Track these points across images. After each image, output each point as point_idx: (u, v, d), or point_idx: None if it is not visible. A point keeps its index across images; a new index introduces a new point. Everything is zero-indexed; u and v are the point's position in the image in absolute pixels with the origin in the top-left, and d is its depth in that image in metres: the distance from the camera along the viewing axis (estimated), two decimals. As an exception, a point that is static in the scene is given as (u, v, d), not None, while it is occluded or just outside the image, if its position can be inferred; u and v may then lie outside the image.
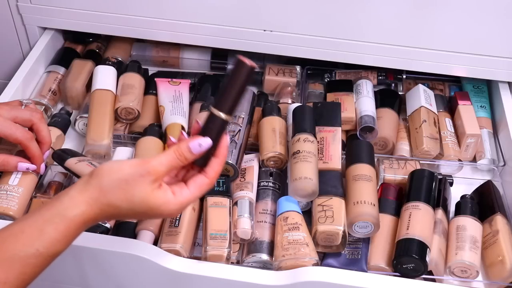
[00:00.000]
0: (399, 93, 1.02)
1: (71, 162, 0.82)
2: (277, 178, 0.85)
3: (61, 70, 1.02)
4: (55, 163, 0.85)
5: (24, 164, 0.80)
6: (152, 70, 1.07)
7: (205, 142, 0.61)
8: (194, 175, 0.63)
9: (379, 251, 0.79)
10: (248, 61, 0.61)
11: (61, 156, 0.84)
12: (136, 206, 0.59)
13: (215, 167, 0.63)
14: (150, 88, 0.99)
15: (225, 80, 0.63)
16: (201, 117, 0.90)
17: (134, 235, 0.78)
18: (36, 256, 0.56)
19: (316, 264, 0.74)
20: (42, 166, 0.82)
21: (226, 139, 0.64)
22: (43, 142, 0.81)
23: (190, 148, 0.61)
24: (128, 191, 0.58)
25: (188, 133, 0.80)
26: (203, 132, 0.62)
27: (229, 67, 1.08)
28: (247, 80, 0.62)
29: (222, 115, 0.62)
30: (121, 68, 1.01)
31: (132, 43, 1.09)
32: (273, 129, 0.87)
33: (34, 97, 0.97)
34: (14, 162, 0.79)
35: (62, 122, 0.93)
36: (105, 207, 0.59)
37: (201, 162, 0.63)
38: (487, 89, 1.03)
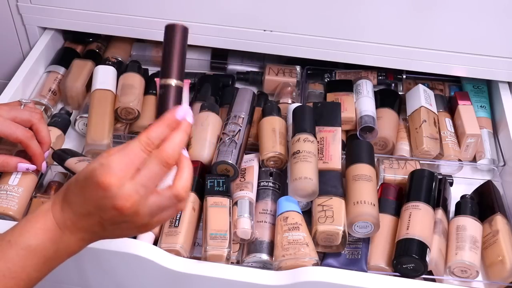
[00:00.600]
0: (399, 93, 1.02)
1: (71, 162, 0.82)
2: (277, 178, 0.85)
3: (61, 70, 1.02)
4: (55, 163, 0.85)
5: (24, 165, 0.80)
6: (152, 70, 1.07)
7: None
8: None
9: (379, 251, 0.79)
10: (178, 23, 0.61)
11: (61, 156, 0.84)
12: (78, 176, 0.57)
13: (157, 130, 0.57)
14: (150, 88, 0.99)
15: (163, 48, 0.62)
16: (201, 119, 0.90)
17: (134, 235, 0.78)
18: (8, 248, 0.56)
19: (316, 264, 0.74)
20: (44, 164, 0.82)
21: (183, 107, 0.59)
22: (43, 142, 0.81)
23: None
24: (79, 173, 0.57)
25: None
26: (159, 105, 0.60)
27: (229, 67, 1.08)
28: (183, 41, 0.61)
29: (172, 81, 0.60)
30: (121, 68, 1.01)
31: (132, 43, 1.09)
32: (273, 129, 0.87)
33: (34, 97, 0.97)
34: (14, 163, 0.79)
35: (62, 122, 0.93)
36: (63, 190, 0.58)
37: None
38: (487, 89, 1.03)
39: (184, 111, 0.59)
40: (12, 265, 0.56)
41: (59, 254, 0.58)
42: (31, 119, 0.80)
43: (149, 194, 0.56)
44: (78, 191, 0.57)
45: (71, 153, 0.85)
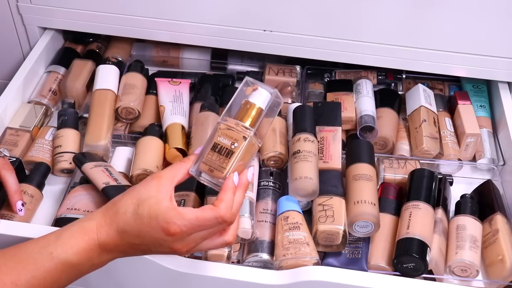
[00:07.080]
0: (399, 92, 1.03)
1: (86, 167, 0.82)
2: (278, 178, 0.85)
3: (61, 70, 1.02)
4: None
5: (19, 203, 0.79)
6: (152, 70, 1.07)
7: (199, 149, 0.65)
8: None
9: (380, 251, 0.79)
10: None
11: (80, 160, 0.83)
12: (141, 209, 0.59)
13: (222, 196, 0.61)
14: (150, 88, 0.99)
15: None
16: (201, 119, 0.90)
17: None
18: (49, 260, 0.57)
19: (316, 264, 0.74)
20: (18, 204, 0.79)
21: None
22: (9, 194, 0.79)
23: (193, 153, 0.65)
24: (134, 195, 0.60)
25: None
26: None
27: (229, 67, 1.08)
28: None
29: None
30: (121, 68, 1.01)
31: (132, 43, 1.10)
32: (273, 129, 0.87)
33: (35, 97, 0.97)
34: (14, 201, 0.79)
35: (71, 119, 0.91)
36: (113, 215, 0.60)
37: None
38: (486, 89, 1.03)
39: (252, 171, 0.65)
40: (49, 276, 0.58)
41: (92, 268, 0.61)
42: None
43: (203, 240, 0.62)
44: (138, 225, 0.59)
45: (90, 158, 0.84)
